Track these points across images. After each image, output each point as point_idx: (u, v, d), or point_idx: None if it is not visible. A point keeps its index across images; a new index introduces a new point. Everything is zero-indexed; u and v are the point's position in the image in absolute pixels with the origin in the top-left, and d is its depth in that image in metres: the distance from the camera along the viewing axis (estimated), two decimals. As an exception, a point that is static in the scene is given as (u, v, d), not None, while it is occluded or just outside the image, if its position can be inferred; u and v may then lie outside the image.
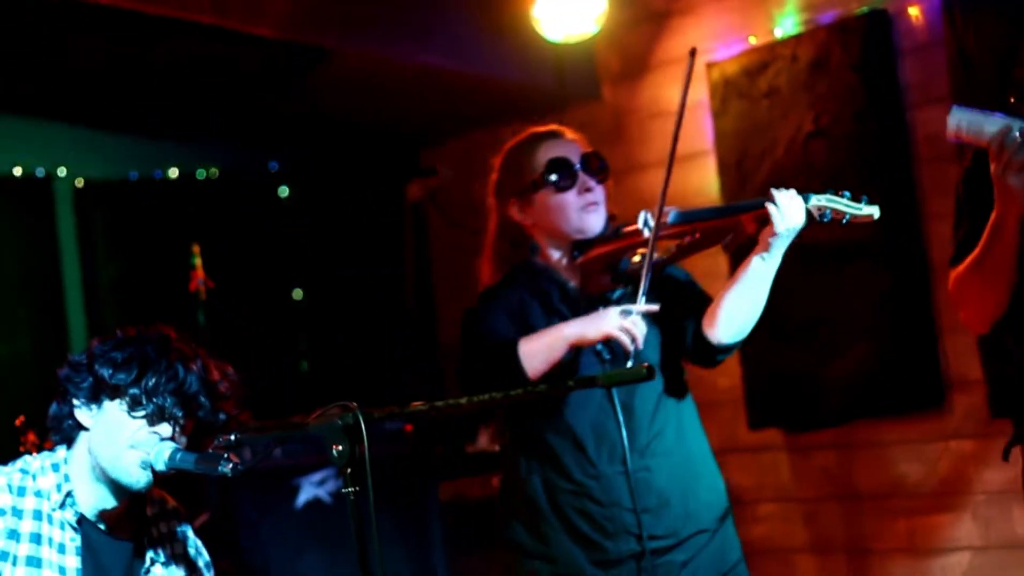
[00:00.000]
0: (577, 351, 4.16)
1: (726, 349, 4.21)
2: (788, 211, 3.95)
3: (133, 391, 3.47)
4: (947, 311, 5.94)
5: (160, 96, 7.39)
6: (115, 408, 3.49)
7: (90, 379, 3.50)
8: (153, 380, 3.46)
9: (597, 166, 4.34)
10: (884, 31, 6.23)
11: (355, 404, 3.17)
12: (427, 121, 8.04)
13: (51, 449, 3.59)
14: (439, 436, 7.11)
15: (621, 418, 4.17)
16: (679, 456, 4.27)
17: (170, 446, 3.46)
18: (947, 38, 5.96)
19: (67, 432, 3.56)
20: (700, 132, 6.87)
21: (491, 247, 4.49)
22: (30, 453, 3.62)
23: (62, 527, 3.49)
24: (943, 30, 5.98)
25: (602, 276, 4.26)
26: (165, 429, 3.48)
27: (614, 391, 4.17)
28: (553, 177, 4.28)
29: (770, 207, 3.95)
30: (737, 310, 4.12)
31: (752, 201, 4.05)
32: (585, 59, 7.36)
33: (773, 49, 6.59)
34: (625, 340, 3.99)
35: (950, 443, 6.12)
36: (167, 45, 6.66)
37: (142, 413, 3.47)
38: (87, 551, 3.51)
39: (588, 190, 4.30)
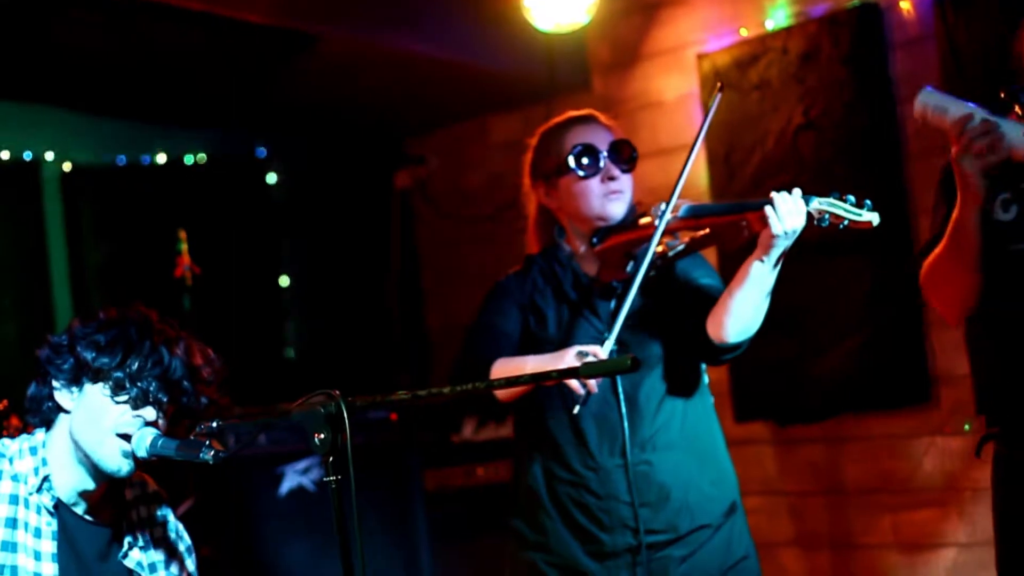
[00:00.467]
0: (567, 339, 4.16)
1: (731, 348, 4.15)
2: (788, 214, 3.91)
3: (117, 375, 3.43)
4: (934, 306, 5.94)
5: (148, 81, 7.36)
6: (97, 392, 3.45)
7: (72, 361, 3.46)
8: (137, 364, 3.43)
9: (627, 155, 4.30)
10: (875, 24, 6.23)
11: (338, 392, 3.14)
12: (416, 109, 8.02)
13: (30, 432, 3.56)
14: (424, 425, 7.09)
15: (624, 411, 4.15)
16: (683, 451, 4.23)
17: (152, 432, 3.42)
18: (938, 32, 5.96)
19: (46, 414, 3.52)
20: (690, 124, 6.86)
21: (533, 228, 4.49)
22: (12, 438, 3.58)
23: (38, 511, 3.46)
24: (934, 24, 5.97)
25: (619, 265, 4.24)
26: (149, 413, 3.45)
27: (619, 384, 4.15)
28: (577, 163, 4.25)
29: (768, 210, 3.90)
30: (739, 310, 4.07)
31: (761, 201, 4.02)
32: (575, 49, 7.34)
33: (764, 41, 6.58)
34: (575, 386, 3.96)
35: (936, 438, 6.12)
36: (156, 30, 6.63)
37: (126, 397, 3.43)
38: (63, 535, 3.48)
39: (612, 178, 4.26)
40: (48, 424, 3.53)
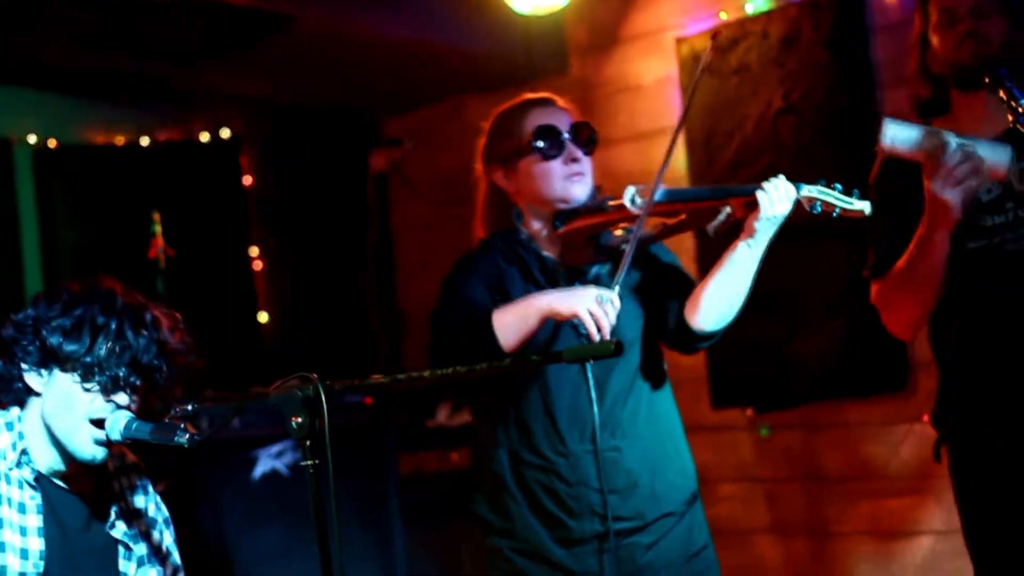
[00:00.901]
0: (556, 325, 4.10)
1: (707, 337, 4.14)
2: (776, 198, 3.90)
3: (86, 360, 3.38)
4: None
5: (122, 61, 7.31)
6: (67, 379, 3.41)
7: (37, 343, 3.41)
8: (104, 349, 3.38)
9: (586, 137, 4.27)
10: (856, 8, 6.21)
11: (315, 376, 3.11)
12: (392, 91, 7.98)
13: (4, 408, 3.50)
14: (400, 407, 7.08)
15: (594, 395, 4.09)
16: (650, 438, 4.21)
17: (126, 415, 3.37)
18: (918, 17, 5.93)
19: (17, 394, 3.47)
20: (669, 107, 6.84)
21: (481, 213, 4.44)
22: (-14, 415, 3.54)
23: (20, 486, 3.41)
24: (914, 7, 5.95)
25: (583, 248, 4.20)
26: (122, 398, 3.41)
27: (588, 368, 4.09)
28: (539, 144, 4.20)
29: (759, 194, 3.89)
30: (720, 297, 4.06)
31: (743, 186, 4.00)
32: (553, 32, 7.31)
33: (744, 25, 6.57)
34: (590, 324, 3.90)
35: (914, 425, 6.10)
36: (132, 9, 6.58)
37: (96, 385, 3.39)
38: (48, 508, 3.44)
39: (574, 160, 4.22)
40: (21, 404, 3.48)
